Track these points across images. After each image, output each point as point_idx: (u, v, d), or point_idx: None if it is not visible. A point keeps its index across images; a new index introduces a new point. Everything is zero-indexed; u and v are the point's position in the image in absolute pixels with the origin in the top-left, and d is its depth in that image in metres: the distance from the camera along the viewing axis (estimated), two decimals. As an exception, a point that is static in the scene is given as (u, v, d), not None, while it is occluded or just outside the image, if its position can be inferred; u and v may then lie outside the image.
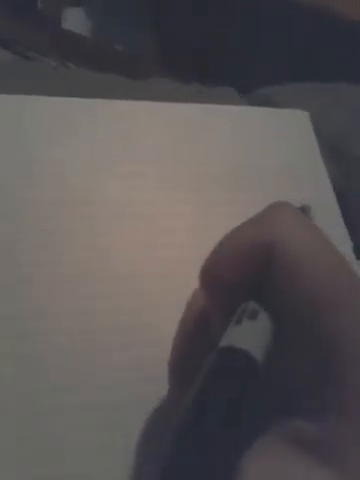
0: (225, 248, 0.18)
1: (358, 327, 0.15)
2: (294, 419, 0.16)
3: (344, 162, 0.36)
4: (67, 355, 0.24)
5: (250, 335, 0.16)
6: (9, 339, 0.24)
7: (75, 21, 0.85)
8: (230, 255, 0.18)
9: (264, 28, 0.72)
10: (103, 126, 0.33)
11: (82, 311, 0.25)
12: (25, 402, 0.22)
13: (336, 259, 0.17)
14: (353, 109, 0.39)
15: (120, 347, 0.25)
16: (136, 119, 0.34)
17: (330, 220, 0.32)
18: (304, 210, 0.21)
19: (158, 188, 0.31)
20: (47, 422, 0.22)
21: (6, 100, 0.34)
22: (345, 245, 0.31)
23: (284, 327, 0.17)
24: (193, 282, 0.19)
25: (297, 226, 0.17)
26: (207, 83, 0.42)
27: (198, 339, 0.20)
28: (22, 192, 0.29)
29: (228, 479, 0.14)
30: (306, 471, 0.15)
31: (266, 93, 0.41)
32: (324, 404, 0.15)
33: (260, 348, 0.16)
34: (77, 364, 0.24)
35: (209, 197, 0.30)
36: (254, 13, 0.73)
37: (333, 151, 0.36)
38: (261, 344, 0.16)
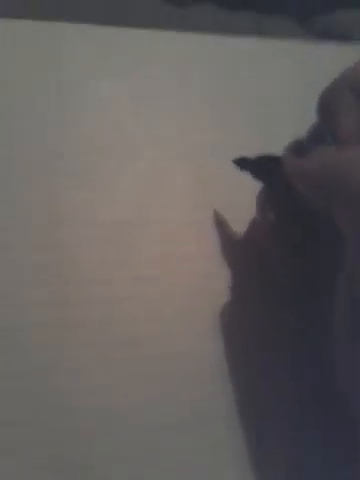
0: None
1: None
2: None
3: None
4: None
5: None
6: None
7: None
8: None
9: None
10: (151, 60, 0.31)
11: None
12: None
13: None
14: None
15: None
16: (188, 52, 0.31)
17: None
18: None
19: (214, 128, 0.29)
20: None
21: (40, 27, 0.31)
22: None
23: None
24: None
25: None
26: (259, 10, 0.38)
27: None
28: (62, 126, 0.27)
29: None
30: None
31: (327, 22, 0.36)
32: None
33: None
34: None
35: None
36: None
37: None
38: None
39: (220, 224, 0.26)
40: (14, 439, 0.19)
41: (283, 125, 0.28)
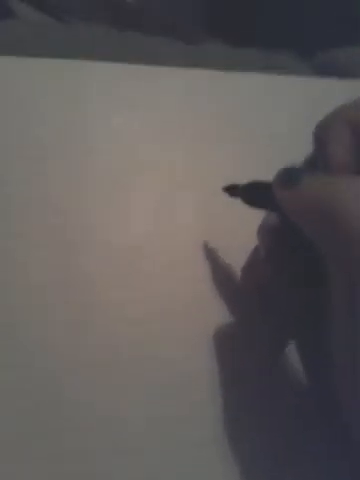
0: None
1: None
2: None
3: None
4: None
5: None
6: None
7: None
8: None
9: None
10: (162, 94, 0.32)
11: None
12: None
13: None
14: None
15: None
16: (198, 87, 0.33)
17: None
18: None
19: (223, 162, 0.30)
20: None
21: (60, 65, 0.33)
22: None
23: None
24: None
25: None
26: (265, 47, 0.40)
27: None
28: (78, 157, 0.29)
29: None
30: None
31: (329, 58, 0.38)
32: None
33: None
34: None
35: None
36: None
37: None
38: None
39: (210, 253, 0.27)
40: (13, 436, 0.20)
41: (287, 158, 0.29)
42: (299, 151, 0.25)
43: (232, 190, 0.24)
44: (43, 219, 0.26)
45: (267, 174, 0.27)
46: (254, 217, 0.23)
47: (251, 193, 0.23)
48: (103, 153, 0.29)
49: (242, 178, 0.27)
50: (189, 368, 0.23)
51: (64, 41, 0.36)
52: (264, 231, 0.23)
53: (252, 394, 0.22)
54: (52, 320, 0.23)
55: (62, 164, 0.28)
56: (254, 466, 0.21)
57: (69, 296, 0.24)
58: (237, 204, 0.24)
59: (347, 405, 0.18)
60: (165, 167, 0.29)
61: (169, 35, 0.41)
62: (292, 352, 0.23)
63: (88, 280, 0.25)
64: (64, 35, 0.37)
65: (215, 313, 0.25)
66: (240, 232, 0.25)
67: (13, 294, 0.24)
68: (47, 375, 0.22)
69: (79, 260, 0.25)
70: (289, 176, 0.19)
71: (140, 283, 0.25)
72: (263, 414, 0.22)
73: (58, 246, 0.25)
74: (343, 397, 0.18)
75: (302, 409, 0.22)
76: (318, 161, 0.20)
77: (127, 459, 0.21)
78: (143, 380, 0.22)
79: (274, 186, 0.20)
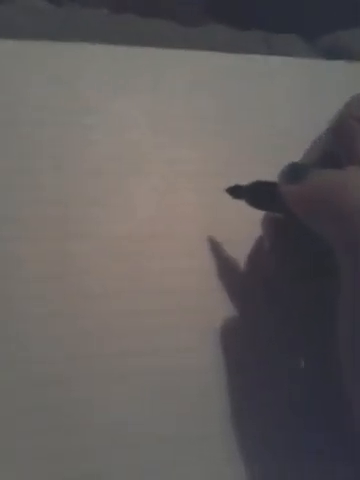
0: None
1: None
2: None
3: None
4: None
5: None
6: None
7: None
8: None
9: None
10: (164, 77, 0.31)
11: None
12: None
13: None
14: None
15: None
16: (200, 69, 0.32)
17: None
18: None
19: (223, 145, 0.29)
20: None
21: (56, 47, 0.32)
22: None
23: None
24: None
25: None
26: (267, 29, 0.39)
27: None
28: (77, 144, 0.28)
29: None
30: None
31: (334, 40, 0.37)
32: None
33: None
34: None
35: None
36: None
37: None
38: None
39: (214, 245, 0.26)
40: (13, 434, 0.20)
41: (290, 142, 0.29)
42: (302, 133, 0.24)
43: (235, 191, 0.23)
44: (41, 209, 0.25)
45: (270, 157, 0.26)
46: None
47: (255, 194, 0.22)
48: (102, 140, 0.28)
49: (245, 162, 0.26)
50: (191, 361, 0.22)
51: (62, 24, 0.35)
52: (268, 222, 0.23)
53: (255, 388, 0.22)
54: (51, 311, 0.23)
55: (60, 152, 0.27)
56: (255, 461, 0.21)
57: (67, 288, 0.23)
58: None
59: (355, 401, 0.17)
60: (167, 154, 0.28)
61: (169, 17, 0.40)
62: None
63: (87, 271, 0.24)
64: (62, 18, 0.36)
65: (218, 306, 0.24)
66: (245, 224, 0.24)
67: (11, 286, 0.23)
68: (44, 368, 0.21)
69: (78, 250, 0.24)
70: (295, 172, 0.19)
71: (142, 275, 0.25)
72: (265, 408, 0.22)
73: (52, 237, 0.25)
74: (351, 392, 0.17)
75: (305, 404, 0.22)
76: (342, 156, 0.20)
77: (126, 455, 0.20)
78: (143, 373, 0.22)
79: (280, 182, 0.20)
